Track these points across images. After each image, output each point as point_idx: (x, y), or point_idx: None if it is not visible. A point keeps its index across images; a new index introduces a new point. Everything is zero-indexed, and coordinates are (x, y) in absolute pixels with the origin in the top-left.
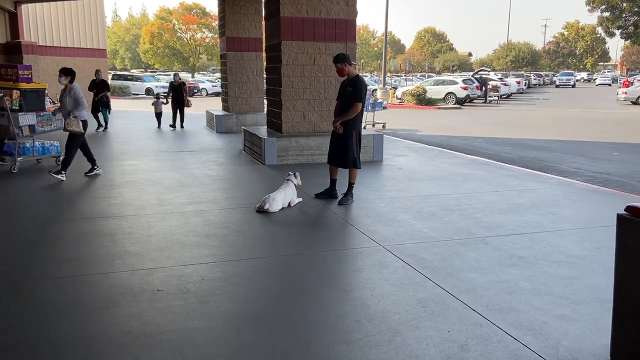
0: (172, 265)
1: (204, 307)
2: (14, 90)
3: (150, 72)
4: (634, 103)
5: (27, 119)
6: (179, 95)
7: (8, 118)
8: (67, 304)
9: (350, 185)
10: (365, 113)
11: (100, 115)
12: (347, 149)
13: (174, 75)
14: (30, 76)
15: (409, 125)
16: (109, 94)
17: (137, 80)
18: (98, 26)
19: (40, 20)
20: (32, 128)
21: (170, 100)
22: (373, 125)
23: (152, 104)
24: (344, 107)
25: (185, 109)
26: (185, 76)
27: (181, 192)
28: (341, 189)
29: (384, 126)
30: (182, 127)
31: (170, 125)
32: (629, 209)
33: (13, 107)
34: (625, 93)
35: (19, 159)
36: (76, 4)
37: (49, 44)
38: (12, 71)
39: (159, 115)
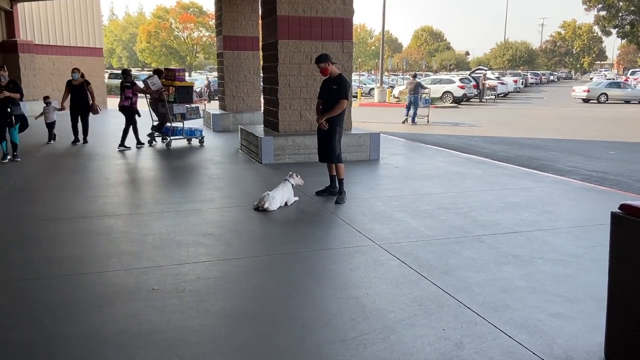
0: (167, 264)
1: (199, 306)
2: (171, 87)
3: (148, 70)
4: (585, 100)
5: (179, 108)
6: (81, 98)
7: (166, 107)
8: (62, 303)
9: (341, 182)
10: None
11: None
12: (332, 144)
13: (73, 71)
14: (183, 76)
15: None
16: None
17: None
18: (95, 25)
19: (37, 19)
20: (182, 116)
21: (66, 105)
22: (428, 121)
23: (42, 113)
24: (329, 104)
25: (92, 116)
26: None
27: (177, 191)
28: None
29: (427, 120)
30: (85, 140)
31: (72, 142)
32: (623, 207)
33: (169, 100)
34: (588, 91)
35: (172, 138)
36: (72, 3)
37: (45, 42)
38: (172, 73)
39: (50, 125)
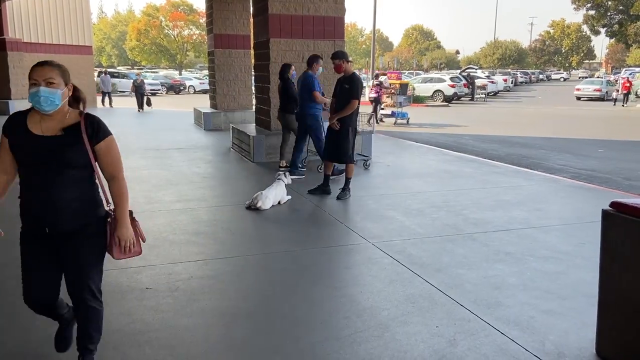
0: (160, 263)
1: (193, 305)
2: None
3: (137, 69)
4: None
5: (400, 98)
6: None
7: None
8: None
9: (347, 180)
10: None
11: None
12: (343, 145)
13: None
14: (401, 77)
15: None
16: None
17: (123, 78)
18: (84, 23)
19: (25, 17)
20: (400, 104)
21: None
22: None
23: None
24: (341, 104)
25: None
26: (172, 73)
27: (169, 190)
28: (335, 185)
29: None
30: None
31: None
32: (613, 204)
33: (396, 93)
34: (579, 89)
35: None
36: (61, 0)
37: (34, 40)
38: (395, 75)
39: None
